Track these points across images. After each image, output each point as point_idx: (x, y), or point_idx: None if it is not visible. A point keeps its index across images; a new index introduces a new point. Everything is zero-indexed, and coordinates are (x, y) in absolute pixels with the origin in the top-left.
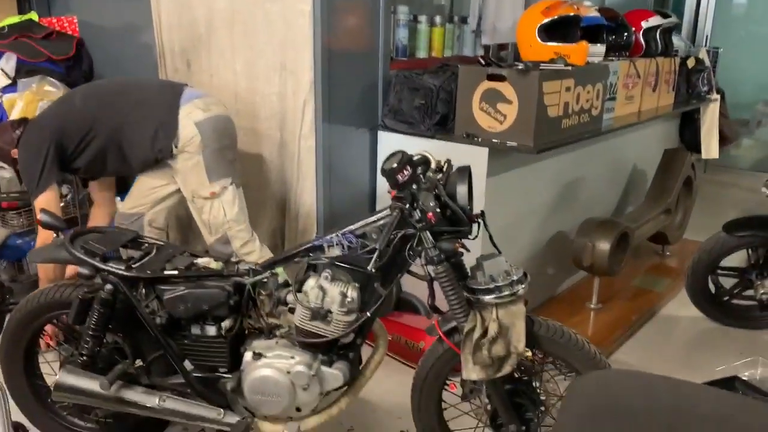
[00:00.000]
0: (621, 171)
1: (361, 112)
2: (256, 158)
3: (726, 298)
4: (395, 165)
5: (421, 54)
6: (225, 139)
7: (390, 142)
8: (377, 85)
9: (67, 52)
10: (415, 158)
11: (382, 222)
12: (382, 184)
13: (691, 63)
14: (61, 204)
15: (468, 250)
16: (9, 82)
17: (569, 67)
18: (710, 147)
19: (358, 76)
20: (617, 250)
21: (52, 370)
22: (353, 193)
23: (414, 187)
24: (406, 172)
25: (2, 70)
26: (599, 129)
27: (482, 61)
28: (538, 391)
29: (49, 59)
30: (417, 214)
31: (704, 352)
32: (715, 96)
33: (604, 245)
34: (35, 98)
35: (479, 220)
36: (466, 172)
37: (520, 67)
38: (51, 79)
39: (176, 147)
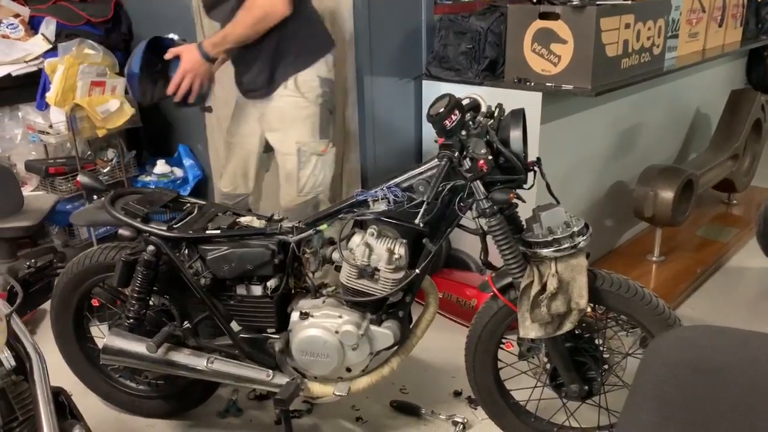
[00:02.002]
0: (683, 115)
1: (404, 60)
2: None
3: None
4: (442, 110)
5: None
6: (331, 103)
7: (436, 92)
8: (420, 31)
9: (106, 14)
10: (464, 102)
11: (429, 173)
12: (429, 136)
13: None
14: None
15: (523, 201)
16: (50, 46)
17: (628, 1)
18: None
19: (400, 23)
20: (681, 199)
21: (101, 333)
22: (399, 146)
23: (463, 133)
24: (454, 117)
25: (43, 35)
26: (661, 69)
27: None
28: (601, 348)
29: (88, 22)
30: (467, 163)
31: None
32: None
33: (668, 194)
34: (75, 62)
35: (535, 167)
36: (519, 116)
37: (575, 3)
38: (90, 41)
39: (293, 85)
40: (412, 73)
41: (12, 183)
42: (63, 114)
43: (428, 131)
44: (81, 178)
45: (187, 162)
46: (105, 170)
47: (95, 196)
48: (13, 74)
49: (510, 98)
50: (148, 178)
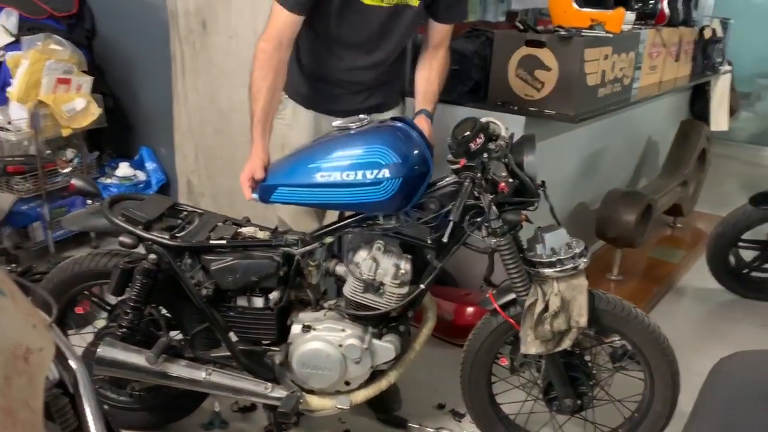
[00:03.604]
0: (637, 142)
1: None
2: None
3: (745, 270)
4: (468, 133)
5: None
6: None
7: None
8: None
9: (70, 8)
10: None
11: (441, 191)
12: None
13: (708, 33)
14: (67, 169)
15: (531, 222)
16: (12, 39)
17: (610, 34)
18: (720, 119)
19: None
20: (641, 222)
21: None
22: None
23: (485, 155)
24: (479, 141)
25: (3, 26)
26: (629, 99)
27: (520, 26)
28: (590, 365)
29: (51, 16)
30: (486, 185)
31: (727, 323)
32: (728, 67)
33: (630, 216)
34: (42, 57)
35: (541, 190)
36: (533, 141)
37: (562, 33)
38: (57, 37)
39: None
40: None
41: None
42: (25, 110)
43: None
44: (75, 182)
45: (150, 165)
46: (65, 171)
47: (89, 201)
48: None
49: None
50: (109, 181)
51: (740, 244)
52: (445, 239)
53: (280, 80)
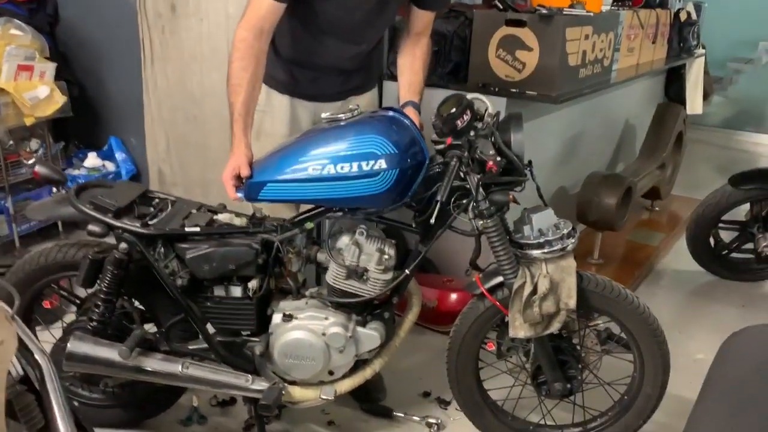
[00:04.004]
0: (615, 126)
1: None
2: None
3: (725, 251)
4: (454, 109)
5: None
6: None
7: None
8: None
9: None
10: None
11: (426, 173)
12: None
13: (683, 16)
14: (31, 160)
15: (518, 203)
16: None
17: (590, 13)
18: (695, 102)
19: None
20: (621, 205)
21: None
22: None
23: (471, 134)
24: (465, 117)
25: None
26: (608, 80)
27: (499, 6)
28: (578, 348)
29: (11, 1)
30: (473, 164)
31: (708, 304)
32: (702, 51)
33: (611, 200)
34: (1, 42)
35: (528, 170)
36: (520, 119)
37: (543, 12)
38: (18, 21)
39: None
40: None
41: None
42: None
43: None
44: (39, 169)
45: (120, 156)
46: (29, 162)
47: (54, 189)
48: None
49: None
50: (77, 172)
51: (720, 225)
52: (432, 221)
53: (261, 70)
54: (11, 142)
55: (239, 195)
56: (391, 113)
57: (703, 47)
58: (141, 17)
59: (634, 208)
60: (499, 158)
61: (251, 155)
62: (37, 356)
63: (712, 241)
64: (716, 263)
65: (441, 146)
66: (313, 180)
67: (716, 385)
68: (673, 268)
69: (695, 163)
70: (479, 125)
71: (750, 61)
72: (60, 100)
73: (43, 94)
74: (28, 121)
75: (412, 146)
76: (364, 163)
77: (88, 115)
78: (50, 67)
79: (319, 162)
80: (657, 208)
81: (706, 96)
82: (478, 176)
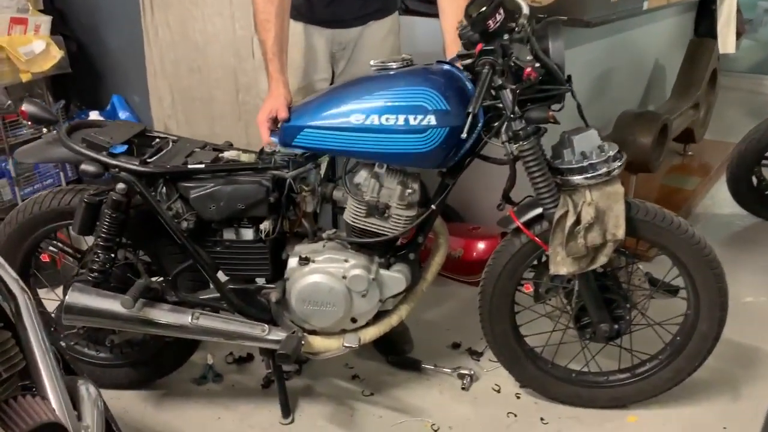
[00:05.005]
0: (645, 64)
1: None
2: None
3: None
4: (485, 8)
5: None
6: None
7: (415, 29)
8: None
9: None
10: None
11: None
12: None
13: None
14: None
15: (558, 123)
16: None
17: None
18: (727, 40)
19: None
20: (657, 144)
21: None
22: None
23: (505, 37)
24: (498, 17)
25: None
26: (641, 8)
27: None
28: (624, 286)
29: None
30: (508, 73)
31: (752, 247)
32: None
33: (646, 138)
34: None
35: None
36: (558, 26)
37: None
38: None
39: None
40: None
41: None
42: None
43: None
44: (26, 107)
45: (123, 115)
46: (30, 123)
47: (45, 129)
48: None
49: None
50: None
51: (764, 162)
52: (464, 135)
53: (287, 1)
54: (9, 102)
55: (273, 140)
56: (446, 66)
57: None
58: None
59: (666, 152)
60: (538, 64)
61: (290, 97)
62: (10, 285)
63: (754, 180)
64: (759, 204)
65: (469, 60)
66: (355, 130)
67: None
68: (712, 212)
69: (726, 109)
70: (514, 26)
71: None
72: (57, 54)
73: (38, 49)
74: (25, 77)
75: (466, 105)
76: (411, 117)
77: (89, 74)
78: (45, 21)
79: (363, 111)
80: (690, 153)
81: (738, 35)
82: (513, 86)
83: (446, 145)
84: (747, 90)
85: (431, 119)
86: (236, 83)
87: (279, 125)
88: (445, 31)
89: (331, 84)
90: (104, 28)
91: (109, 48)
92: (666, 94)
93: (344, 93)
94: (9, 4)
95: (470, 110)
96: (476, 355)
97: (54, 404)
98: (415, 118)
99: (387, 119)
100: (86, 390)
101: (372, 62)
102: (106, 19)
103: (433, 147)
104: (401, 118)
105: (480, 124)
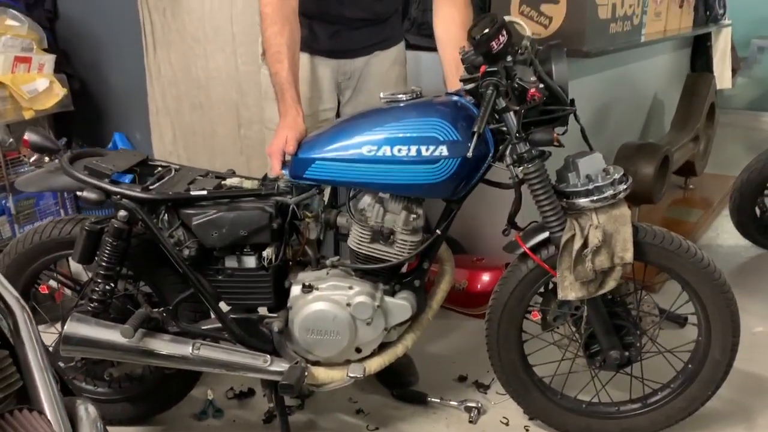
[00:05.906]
0: (644, 98)
1: None
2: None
3: None
4: (488, 30)
5: None
6: None
7: (415, 63)
8: None
9: None
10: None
11: None
12: None
13: None
14: (34, 157)
15: (562, 146)
16: None
17: None
18: (723, 76)
19: None
20: (658, 176)
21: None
22: None
23: (509, 59)
24: (501, 39)
25: None
26: (639, 40)
27: None
28: (633, 312)
29: None
30: (512, 95)
31: (758, 277)
32: (728, 21)
33: (648, 169)
34: None
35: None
36: (561, 49)
37: None
38: (13, 11)
39: None
40: None
41: None
42: None
43: None
44: (29, 135)
45: None
46: (32, 160)
47: (46, 159)
48: None
49: None
50: None
51: (767, 192)
52: (469, 154)
53: (297, 32)
54: (11, 140)
55: (284, 172)
56: (455, 98)
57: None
58: (142, 1)
59: (668, 185)
60: (542, 85)
61: (304, 129)
62: (9, 302)
63: (757, 211)
64: (763, 234)
65: (473, 84)
66: (367, 161)
67: None
68: (716, 243)
69: (725, 144)
70: (517, 49)
71: None
72: (60, 92)
73: (42, 87)
74: (27, 115)
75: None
76: (423, 148)
77: (91, 111)
78: (49, 59)
79: (375, 142)
80: (692, 186)
81: (733, 72)
82: (517, 108)
83: (458, 175)
84: (744, 126)
85: (443, 150)
86: (238, 117)
87: (287, 157)
88: (445, 62)
89: (336, 113)
90: (107, 67)
91: (112, 86)
92: (665, 128)
93: (355, 125)
94: (14, 43)
95: (475, 129)
96: (483, 387)
97: (52, 423)
98: (427, 149)
99: (399, 150)
100: (85, 410)
101: (382, 95)
102: (109, 57)
103: (444, 177)
104: (413, 149)
105: (490, 155)
